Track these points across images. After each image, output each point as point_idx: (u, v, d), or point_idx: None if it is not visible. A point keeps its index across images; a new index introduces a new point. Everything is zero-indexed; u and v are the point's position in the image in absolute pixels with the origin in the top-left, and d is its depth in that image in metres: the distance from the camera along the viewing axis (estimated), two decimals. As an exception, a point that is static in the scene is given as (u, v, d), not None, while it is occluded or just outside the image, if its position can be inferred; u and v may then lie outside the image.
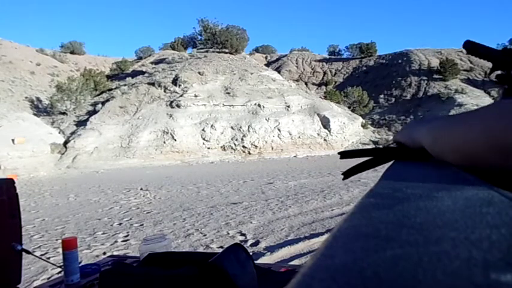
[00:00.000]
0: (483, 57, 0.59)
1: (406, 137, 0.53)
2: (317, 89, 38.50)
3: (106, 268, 1.19)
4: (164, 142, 21.79)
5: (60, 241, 1.69)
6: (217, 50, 31.79)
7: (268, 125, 23.56)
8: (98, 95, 26.90)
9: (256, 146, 22.70)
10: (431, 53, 39.48)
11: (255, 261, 1.12)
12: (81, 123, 22.76)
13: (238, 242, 2.62)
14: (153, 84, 25.99)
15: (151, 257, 1.14)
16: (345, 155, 0.57)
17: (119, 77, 30.93)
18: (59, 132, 21.82)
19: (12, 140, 17.80)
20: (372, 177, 7.61)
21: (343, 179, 0.57)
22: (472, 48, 0.62)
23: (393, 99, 31.52)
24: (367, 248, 0.14)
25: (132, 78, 28.73)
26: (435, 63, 36.46)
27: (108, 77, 31.38)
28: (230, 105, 24.48)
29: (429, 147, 0.47)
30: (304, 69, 42.84)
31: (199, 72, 26.60)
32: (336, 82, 39.29)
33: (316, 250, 0.15)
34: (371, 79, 35.74)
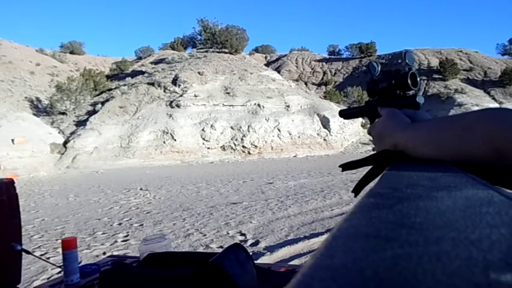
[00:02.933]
0: (359, 116, 0.81)
1: (387, 144, 0.56)
2: (317, 89, 38.50)
3: (106, 268, 1.19)
4: (164, 142, 21.79)
5: (60, 241, 1.69)
6: (217, 50, 31.80)
7: (268, 125, 23.56)
8: (98, 95, 26.89)
9: (256, 146, 22.70)
10: (431, 53, 39.51)
11: (255, 261, 1.12)
12: (80, 123, 22.75)
13: (238, 242, 2.62)
14: (152, 84, 25.99)
15: (151, 257, 1.14)
16: (346, 167, 0.58)
17: (118, 77, 30.93)
18: (59, 132, 21.81)
19: (12, 140, 17.79)
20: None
21: (355, 196, 0.58)
22: (346, 113, 0.84)
23: (393, 99, 31.52)
24: (367, 248, 0.14)
25: (132, 78, 28.72)
26: (435, 63, 36.48)
27: (108, 77, 31.36)
28: (230, 105, 24.48)
29: (413, 150, 0.48)
30: (304, 69, 42.84)
31: (199, 72, 26.59)
32: (335, 82, 39.30)
33: (316, 250, 0.15)
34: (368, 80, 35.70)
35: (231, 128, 23.24)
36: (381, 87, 0.72)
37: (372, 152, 0.59)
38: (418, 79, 0.70)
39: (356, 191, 0.58)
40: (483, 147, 0.36)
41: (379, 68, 0.74)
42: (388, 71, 0.72)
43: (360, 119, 25.61)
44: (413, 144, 0.49)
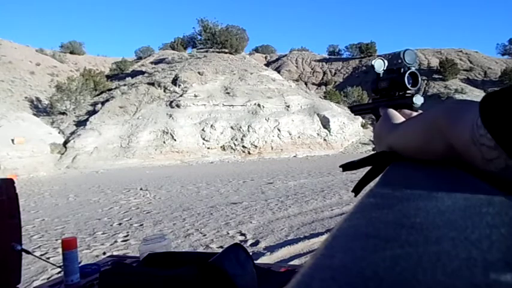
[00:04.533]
0: (366, 113, 0.83)
1: (383, 145, 0.57)
2: (317, 89, 38.51)
3: (106, 268, 1.19)
4: (164, 142, 21.79)
5: (60, 241, 1.69)
6: (217, 50, 31.78)
7: (268, 125, 23.56)
8: (98, 95, 26.89)
9: (256, 146, 22.70)
10: (431, 53, 39.53)
11: (255, 261, 1.12)
12: (80, 123, 22.75)
13: (238, 242, 2.62)
14: (152, 84, 25.98)
15: (151, 257, 1.14)
16: (346, 167, 0.59)
17: (118, 77, 30.92)
18: (59, 132, 21.81)
19: (12, 140, 17.78)
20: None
21: (355, 196, 0.58)
22: (356, 109, 0.87)
23: (393, 99, 31.57)
24: (367, 248, 0.14)
25: (132, 78, 28.71)
26: (435, 63, 36.50)
27: (108, 77, 31.37)
28: (230, 105, 24.48)
29: (399, 151, 0.49)
30: (304, 69, 42.85)
31: (199, 72, 26.59)
32: (335, 82, 39.32)
33: (316, 250, 0.15)
34: (371, 79, 35.70)
35: (231, 128, 23.24)
36: (382, 87, 0.72)
37: (372, 152, 0.60)
38: (420, 79, 0.70)
39: (356, 190, 0.58)
40: (440, 143, 0.36)
41: (385, 66, 0.74)
42: (391, 70, 0.72)
43: (360, 119, 25.67)
44: (397, 145, 0.50)
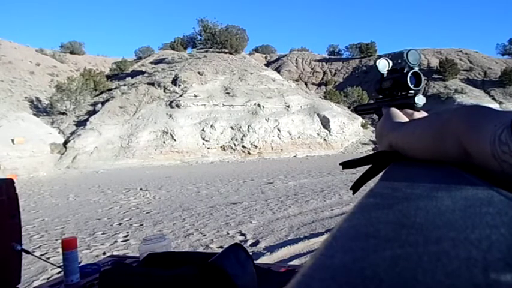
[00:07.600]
0: (370, 113, 0.86)
1: (384, 145, 0.57)
2: (317, 89, 38.51)
3: (106, 268, 1.19)
4: (164, 142, 21.78)
5: (60, 241, 1.69)
6: (217, 50, 31.78)
7: (268, 125, 23.56)
8: (98, 95, 26.88)
9: (256, 146, 22.70)
10: (431, 53, 39.52)
11: (255, 261, 1.12)
12: (80, 123, 22.74)
13: (238, 242, 2.62)
14: (152, 84, 25.98)
15: (151, 257, 1.14)
16: (346, 165, 0.59)
17: (118, 77, 30.91)
18: (59, 132, 21.81)
19: (12, 140, 17.78)
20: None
21: (353, 194, 0.58)
22: (360, 110, 0.90)
23: (393, 99, 31.54)
24: (367, 248, 0.14)
25: (132, 78, 28.70)
26: (435, 63, 36.49)
27: (108, 77, 31.35)
28: (230, 105, 24.47)
29: (403, 150, 0.49)
30: (303, 69, 42.84)
31: (199, 72, 26.58)
32: (335, 82, 39.31)
33: (316, 250, 0.15)
34: (371, 79, 35.75)
35: (231, 128, 23.24)
36: (385, 87, 0.73)
37: (372, 152, 0.60)
38: (423, 79, 0.70)
39: (354, 188, 0.58)
40: (454, 146, 0.36)
41: (389, 66, 0.74)
42: (394, 70, 0.73)
43: (360, 119, 25.66)
44: (401, 145, 0.50)
